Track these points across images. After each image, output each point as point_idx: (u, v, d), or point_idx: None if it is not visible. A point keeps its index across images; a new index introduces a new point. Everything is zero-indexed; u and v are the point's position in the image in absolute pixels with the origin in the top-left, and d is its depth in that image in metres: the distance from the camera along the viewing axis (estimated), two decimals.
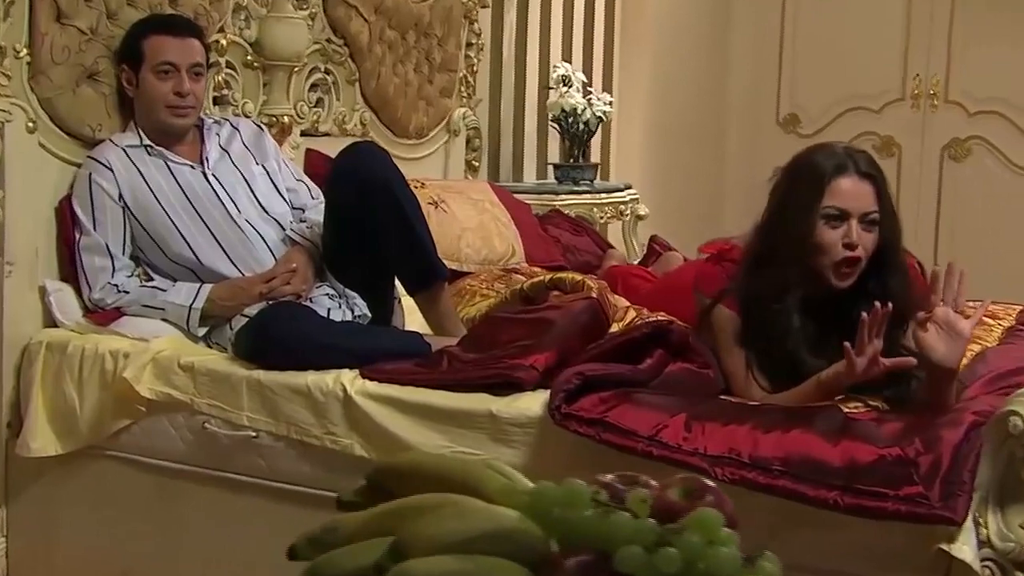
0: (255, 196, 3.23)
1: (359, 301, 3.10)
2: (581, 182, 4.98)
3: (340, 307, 3.08)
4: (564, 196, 4.80)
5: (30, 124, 3.06)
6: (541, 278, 3.05)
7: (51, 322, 3.13)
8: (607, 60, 5.70)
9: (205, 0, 3.48)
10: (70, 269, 3.15)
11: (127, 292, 3.08)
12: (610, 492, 1.08)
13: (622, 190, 5.06)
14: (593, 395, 2.39)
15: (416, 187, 3.68)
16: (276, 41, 3.68)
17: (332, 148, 3.76)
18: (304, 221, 3.25)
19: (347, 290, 3.12)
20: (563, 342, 2.61)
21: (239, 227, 3.13)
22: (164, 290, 3.08)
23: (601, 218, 4.90)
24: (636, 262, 4.24)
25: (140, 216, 3.13)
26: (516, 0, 5.02)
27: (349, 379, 2.68)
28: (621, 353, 2.55)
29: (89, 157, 3.16)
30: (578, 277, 2.96)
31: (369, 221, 2.97)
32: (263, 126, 3.46)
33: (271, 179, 3.30)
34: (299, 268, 3.08)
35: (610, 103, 4.99)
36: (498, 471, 1.12)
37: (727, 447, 2.24)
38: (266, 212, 3.21)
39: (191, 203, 3.14)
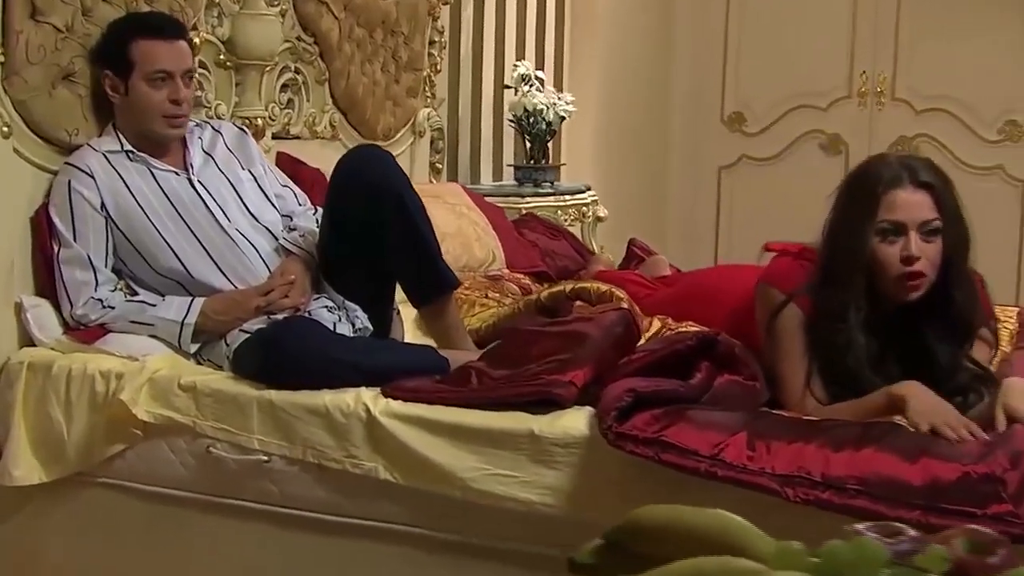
0: (244, 204, 3.08)
1: (360, 314, 2.96)
2: (542, 184, 4.88)
3: (340, 320, 2.93)
4: (529, 198, 4.68)
5: (4, 128, 2.88)
6: (561, 288, 2.94)
7: (28, 340, 2.93)
8: (558, 58, 5.61)
9: None
10: (47, 283, 2.96)
11: (112, 307, 2.91)
12: (890, 547, 0.97)
13: (583, 191, 4.96)
14: (644, 412, 2.28)
15: None
16: (249, 39, 3.52)
17: (303, 151, 3.64)
18: (295, 229, 3.09)
19: (347, 302, 2.97)
20: (599, 356, 2.50)
21: (229, 237, 2.98)
22: (153, 305, 2.91)
23: (565, 220, 4.79)
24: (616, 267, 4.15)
25: (123, 226, 2.95)
26: None
27: (371, 398, 2.54)
28: (664, 366, 2.44)
29: (67, 163, 2.98)
30: (603, 287, 2.86)
31: (375, 229, 2.85)
32: (245, 129, 3.29)
33: (259, 185, 3.15)
34: (297, 280, 2.94)
35: (571, 102, 4.87)
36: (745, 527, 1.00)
37: (796, 466, 2.15)
38: (256, 220, 3.06)
39: (178, 212, 2.97)
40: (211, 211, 3.00)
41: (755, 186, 6.33)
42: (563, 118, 4.82)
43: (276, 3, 3.64)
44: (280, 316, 2.86)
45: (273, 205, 3.14)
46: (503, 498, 2.40)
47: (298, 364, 2.58)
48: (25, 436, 2.81)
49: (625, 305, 2.67)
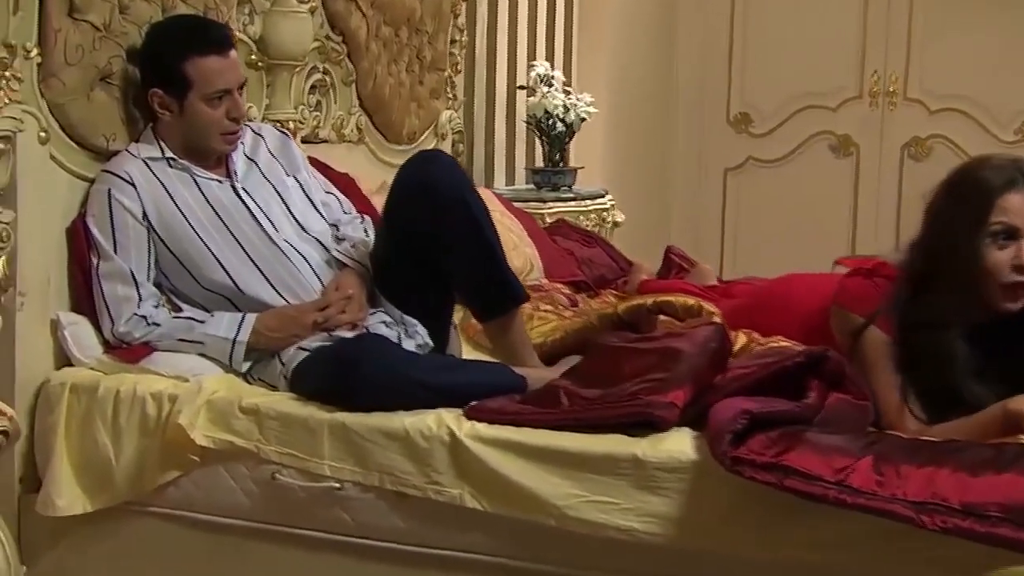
0: (291, 212, 2.96)
1: (420, 329, 2.85)
2: (561, 188, 4.78)
3: (399, 336, 2.82)
4: (551, 203, 4.58)
5: (42, 134, 2.74)
6: (641, 301, 2.84)
7: (64, 360, 2.79)
8: (566, 59, 5.50)
9: None
10: (85, 299, 2.83)
11: (157, 324, 2.78)
12: None
13: (603, 195, 4.87)
14: (759, 435, 2.18)
15: None
16: (281, 38, 3.39)
17: (330, 156, 3.52)
18: (344, 239, 2.99)
19: (405, 316, 2.86)
20: (697, 374, 2.40)
21: (279, 248, 2.86)
22: (200, 321, 2.78)
23: (586, 226, 4.69)
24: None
25: (166, 237, 2.83)
26: None
27: (454, 420, 2.43)
28: (768, 384, 2.35)
29: (106, 171, 2.84)
30: (690, 300, 2.76)
31: (439, 237, 2.74)
32: (287, 132, 3.18)
33: (305, 192, 3.03)
34: (354, 294, 2.83)
35: (590, 103, 4.77)
36: None
37: (930, 492, 2.05)
38: (304, 230, 2.95)
39: (223, 222, 2.86)
40: (257, 221, 2.88)
41: (762, 189, 6.25)
42: (583, 119, 4.70)
43: (306, 0, 3.51)
44: (339, 333, 2.74)
45: (320, 213, 3.02)
46: (602, 526, 2.30)
47: (373, 384, 2.46)
48: (68, 463, 2.68)
49: (718, 319, 2.56)
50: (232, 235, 2.84)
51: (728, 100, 6.35)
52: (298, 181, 3.03)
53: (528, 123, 4.81)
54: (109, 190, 2.80)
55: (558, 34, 5.42)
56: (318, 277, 2.87)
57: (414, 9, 4.02)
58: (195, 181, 2.88)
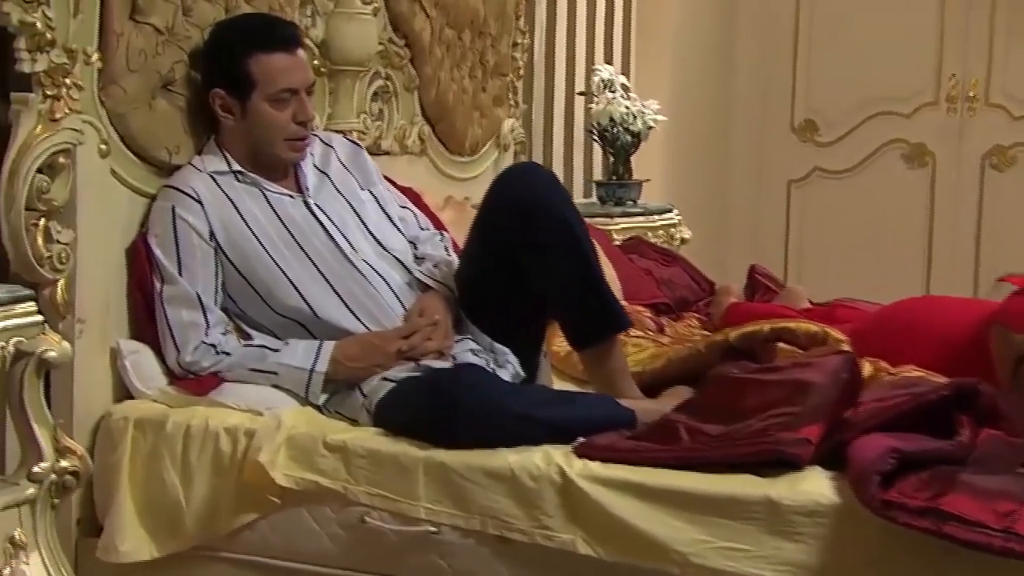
0: (368, 229, 2.91)
1: (511, 358, 2.79)
2: (626, 202, 4.73)
3: (488, 365, 2.76)
4: (619, 219, 4.52)
5: (102, 146, 2.69)
6: (757, 328, 2.78)
7: (124, 392, 2.74)
8: (624, 62, 5.46)
9: None
10: (146, 325, 2.78)
11: (227, 353, 2.73)
12: None
13: (671, 211, 4.81)
14: (909, 477, 2.12)
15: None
16: (345, 41, 3.35)
17: (392, 169, 3.46)
18: (424, 258, 2.95)
19: (495, 344, 2.80)
20: (830, 408, 2.33)
21: (356, 269, 2.81)
22: (274, 349, 2.73)
23: (653, 243, 4.63)
24: None
25: (235, 258, 2.78)
26: None
27: (563, 459, 2.37)
28: (909, 419, 2.28)
29: (169, 186, 2.80)
30: (813, 327, 2.70)
31: (537, 259, 2.70)
32: (359, 143, 3.14)
33: (381, 207, 2.99)
34: (441, 320, 2.77)
35: (658, 111, 4.71)
36: None
37: None
38: (384, 248, 2.90)
39: (296, 241, 2.81)
40: (333, 239, 2.84)
41: (829, 202, 6.18)
42: (650, 128, 4.64)
43: (370, 0, 3.46)
44: (426, 362, 2.70)
45: (398, 229, 2.99)
46: (731, 575, 2.22)
47: (474, 419, 2.41)
48: (132, 504, 2.62)
49: (846, 348, 2.50)
50: (306, 255, 2.79)
51: (792, 106, 6.30)
52: (373, 195, 2.99)
53: (590, 132, 4.74)
54: (173, 207, 2.75)
55: (616, 38, 5.37)
56: (400, 300, 2.82)
57: (477, 10, 3.98)
58: (265, 196, 2.83)
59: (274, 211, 2.81)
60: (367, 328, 2.78)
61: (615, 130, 4.68)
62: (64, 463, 2.39)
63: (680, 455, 2.32)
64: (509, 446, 2.43)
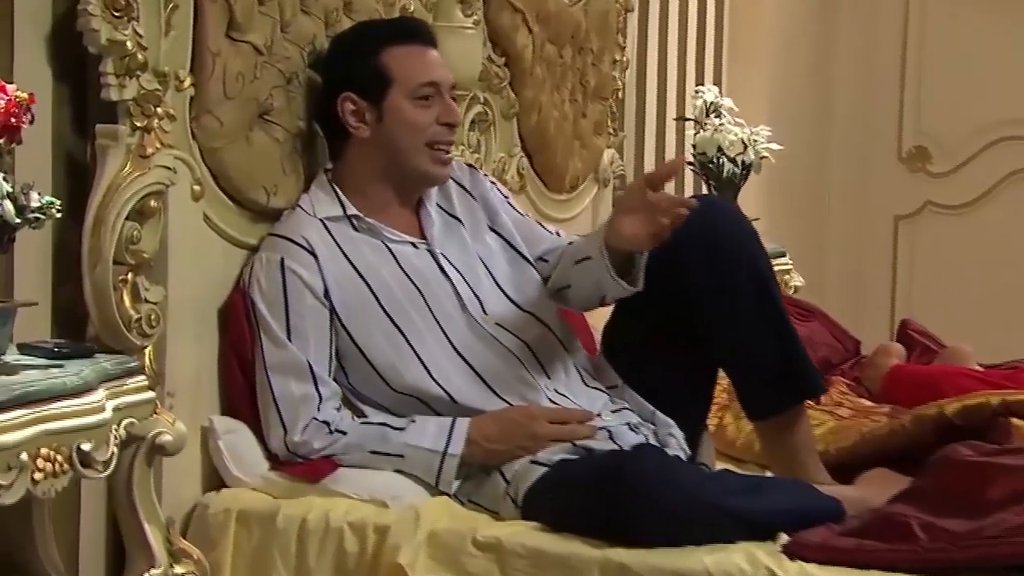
0: (497, 283, 2.83)
1: (675, 431, 2.73)
2: None
3: (649, 440, 2.70)
4: None
5: (195, 187, 2.61)
6: (982, 400, 2.71)
7: (216, 478, 2.66)
8: (716, 80, 5.39)
9: (380, 4, 3.05)
10: (244, 399, 2.71)
11: (343, 433, 2.65)
12: None
13: (783, 255, 4.73)
14: None
15: None
16: (449, 59, 3.22)
17: None
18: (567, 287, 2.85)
19: (656, 413, 2.74)
20: None
21: (493, 338, 2.74)
22: (399, 428, 2.65)
23: None
24: None
25: (351, 324, 2.70)
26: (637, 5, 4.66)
27: (771, 559, 2.27)
28: None
29: (276, 235, 2.73)
30: None
31: (721, 308, 2.68)
32: (473, 165, 3.08)
33: (512, 247, 2.90)
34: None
35: (769, 138, 4.64)
36: None
37: None
38: (518, 305, 2.82)
39: (427, 304, 2.73)
40: (461, 299, 2.76)
41: (944, 241, 6.12)
42: (762, 158, 4.56)
43: (471, 12, 3.39)
44: (586, 442, 2.63)
45: (529, 263, 2.89)
46: None
47: (658, 511, 2.32)
48: None
49: None
50: (437, 322, 2.71)
51: (900, 131, 6.26)
52: (500, 234, 2.90)
53: (691, 163, 4.66)
54: (282, 260, 2.67)
55: (708, 58, 5.31)
56: (542, 367, 2.75)
57: (579, 23, 3.92)
58: (387, 248, 2.75)
59: (399, 266, 2.73)
60: (508, 403, 2.71)
61: (720, 161, 4.58)
62: (179, 569, 2.28)
63: (921, 556, 2.23)
64: (698, 543, 2.33)
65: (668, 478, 2.36)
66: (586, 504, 2.41)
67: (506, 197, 3.00)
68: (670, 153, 5.01)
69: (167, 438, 2.24)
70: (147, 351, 2.49)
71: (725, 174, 4.59)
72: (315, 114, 2.84)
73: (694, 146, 4.63)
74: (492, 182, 2.99)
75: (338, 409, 2.68)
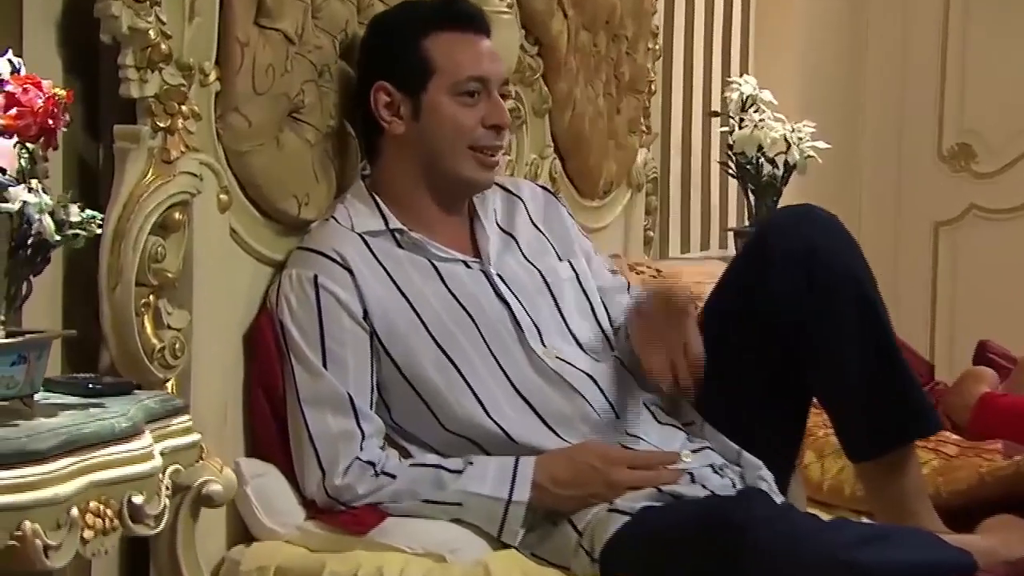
0: (560, 311, 2.80)
1: (765, 474, 2.68)
2: None
3: (733, 486, 2.65)
4: None
5: (222, 197, 2.55)
6: None
7: (243, 529, 2.62)
8: (742, 71, 5.39)
9: None
10: (273, 438, 2.66)
11: (392, 475, 2.59)
12: None
13: None
14: None
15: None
16: None
17: None
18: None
19: (743, 453, 2.70)
20: None
21: (555, 372, 2.69)
22: (456, 471, 2.59)
23: None
24: None
25: (397, 353, 2.66)
26: None
27: None
28: None
29: (307, 249, 2.68)
30: None
31: (823, 334, 2.66)
32: (551, 190, 3.06)
33: (582, 287, 2.87)
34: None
35: (812, 133, 4.62)
36: None
37: None
38: (579, 345, 2.78)
39: (479, 330, 2.68)
40: (520, 328, 2.71)
41: (990, 249, 6.12)
42: (808, 158, 4.55)
43: None
44: (673, 487, 2.58)
45: (595, 316, 2.87)
46: None
47: (776, 565, 2.28)
48: None
49: None
50: (490, 351, 2.66)
51: (940, 126, 6.26)
52: (574, 269, 2.87)
53: (726, 164, 4.65)
54: (316, 277, 2.62)
55: (734, 47, 5.31)
56: (612, 407, 2.71)
57: (614, 6, 3.90)
58: (434, 267, 2.70)
59: (448, 288, 2.68)
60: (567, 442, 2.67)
61: (759, 161, 4.56)
62: None
63: None
64: None
65: (782, 526, 2.33)
66: (684, 560, 2.37)
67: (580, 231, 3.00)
68: (698, 153, 4.95)
69: (216, 487, 2.18)
70: (170, 384, 2.45)
71: (764, 176, 4.55)
72: (348, 109, 2.81)
73: (730, 145, 4.59)
74: (569, 213, 2.99)
75: (383, 448, 2.64)
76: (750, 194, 4.68)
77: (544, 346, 2.71)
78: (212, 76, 2.52)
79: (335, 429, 2.60)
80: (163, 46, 2.36)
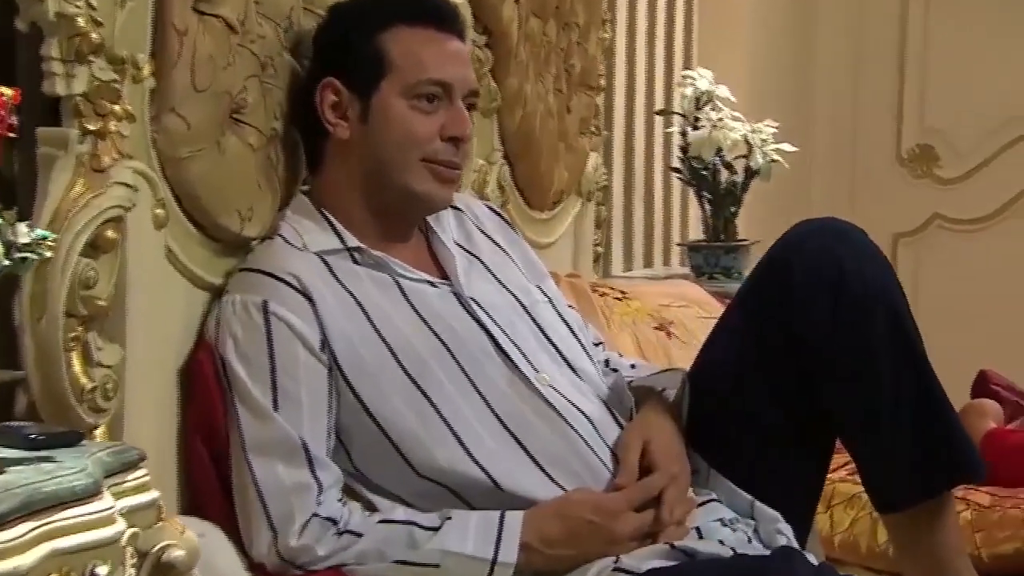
0: (549, 340, 2.77)
1: (784, 527, 2.66)
2: (735, 274, 4.64)
3: (749, 542, 2.62)
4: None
5: (158, 211, 2.47)
6: None
7: None
8: (686, 65, 5.39)
9: None
10: (214, 493, 2.61)
11: (356, 534, 2.52)
12: None
13: None
14: None
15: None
16: None
17: None
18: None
19: (757, 504, 2.68)
20: None
21: (547, 404, 2.65)
22: (431, 528, 2.52)
23: None
24: None
25: (363, 387, 2.59)
26: None
27: None
28: None
29: (252, 270, 2.63)
30: None
31: (847, 372, 2.63)
32: (503, 215, 3.06)
33: (558, 312, 2.87)
34: (679, 471, 2.64)
35: (775, 134, 4.64)
36: None
37: None
38: (573, 370, 2.75)
39: (456, 359, 2.63)
40: (505, 354, 2.67)
41: (955, 262, 6.17)
42: (772, 162, 4.56)
43: None
44: (688, 544, 2.53)
45: (580, 343, 2.86)
46: None
47: None
48: None
49: None
50: (471, 382, 2.61)
51: (899, 128, 6.29)
52: (545, 293, 2.87)
53: (678, 169, 4.64)
54: (265, 303, 2.56)
55: (677, 43, 5.33)
56: (608, 447, 2.67)
57: None
58: (399, 285, 2.65)
59: (417, 312, 2.63)
60: (562, 487, 2.62)
61: (715, 166, 4.57)
62: None
63: None
64: None
65: None
66: None
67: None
68: (641, 156, 4.93)
69: (178, 553, 2.08)
70: (98, 432, 2.37)
71: (723, 184, 4.55)
72: (293, 109, 2.76)
73: (683, 148, 4.58)
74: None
75: (342, 502, 2.57)
76: (706, 204, 4.65)
77: (536, 372, 2.67)
78: (146, 70, 2.44)
79: (287, 481, 2.53)
80: (93, 35, 2.27)
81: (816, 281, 2.64)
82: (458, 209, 2.88)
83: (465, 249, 2.81)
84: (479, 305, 2.71)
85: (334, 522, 2.53)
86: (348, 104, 2.67)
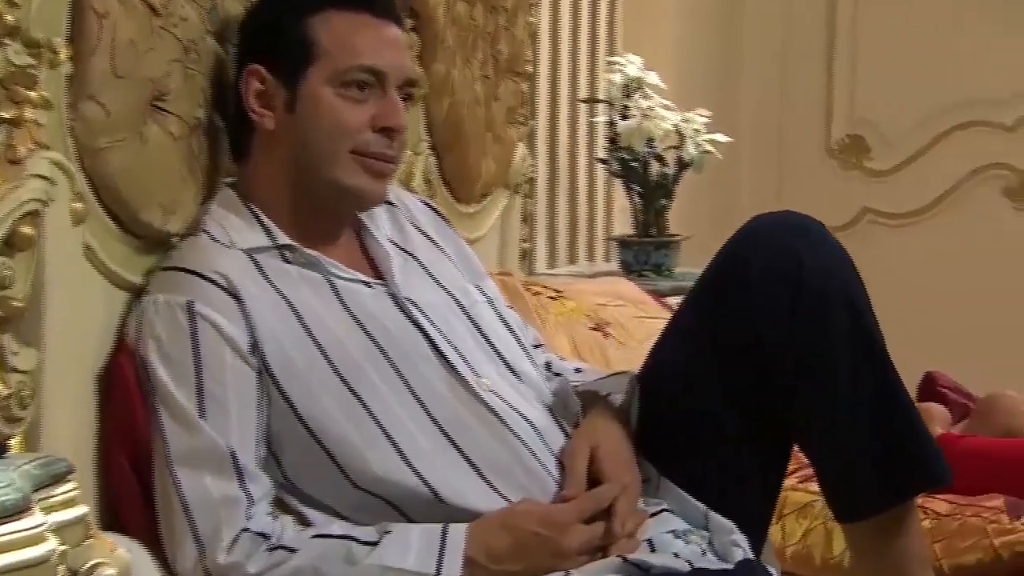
0: (488, 342, 2.75)
1: (739, 538, 2.64)
2: (665, 271, 4.67)
3: (704, 554, 2.60)
4: (671, 297, 4.41)
5: (76, 206, 2.43)
6: None
7: None
8: (609, 51, 5.39)
9: None
10: (136, 507, 2.56)
11: (289, 549, 2.48)
12: None
13: None
14: None
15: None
16: None
17: None
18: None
19: (711, 514, 2.66)
20: None
21: (489, 409, 2.62)
22: (369, 543, 2.48)
23: None
24: None
25: (295, 391, 2.56)
26: None
27: None
28: None
29: (176, 269, 2.60)
30: None
31: (806, 373, 2.62)
32: (438, 209, 3.05)
33: (497, 312, 2.87)
34: (631, 482, 2.63)
35: (707, 124, 4.64)
36: None
37: None
38: (514, 373, 2.74)
39: (392, 363, 2.60)
40: (443, 357, 2.65)
41: (887, 258, 6.13)
42: (705, 153, 4.56)
43: None
44: (642, 557, 2.51)
45: (523, 347, 2.86)
46: None
47: None
48: None
49: None
50: (407, 386, 2.59)
51: (828, 116, 6.31)
52: (484, 293, 2.87)
53: (606, 160, 4.63)
54: (190, 304, 2.52)
55: (600, 29, 5.36)
56: (552, 454, 2.65)
57: None
58: (332, 286, 2.63)
59: (350, 313, 2.61)
60: (507, 501, 2.59)
61: (645, 158, 4.57)
62: None
63: None
64: None
65: None
66: None
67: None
68: (565, 147, 4.93)
69: (109, 572, 2.06)
70: (13, 442, 2.29)
71: (653, 176, 4.54)
72: (217, 97, 2.73)
73: (612, 140, 4.57)
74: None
75: (273, 515, 2.53)
76: (635, 197, 4.65)
77: (478, 376, 2.65)
78: (63, 55, 2.39)
79: (215, 494, 2.49)
80: (8, 17, 2.22)
81: (775, 277, 2.64)
82: (391, 204, 2.86)
83: (399, 246, 2.80)
84: (415, 306, 2.69)
85: (265, 537, 2.49)
86: (274, 93, 2.65)
